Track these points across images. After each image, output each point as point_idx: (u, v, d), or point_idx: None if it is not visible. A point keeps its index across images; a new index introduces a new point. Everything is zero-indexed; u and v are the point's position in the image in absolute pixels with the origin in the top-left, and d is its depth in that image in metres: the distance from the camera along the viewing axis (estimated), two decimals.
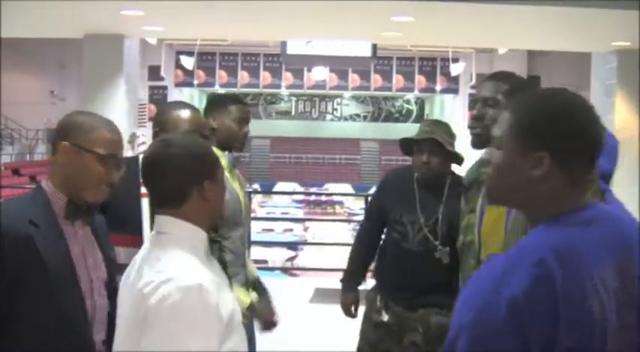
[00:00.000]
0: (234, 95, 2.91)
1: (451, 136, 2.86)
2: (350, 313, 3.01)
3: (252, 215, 7.91)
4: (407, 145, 2.90)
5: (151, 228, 1.71)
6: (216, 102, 2.81)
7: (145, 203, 2.13)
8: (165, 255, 1.55)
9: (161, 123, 2.37)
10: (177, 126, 2.30)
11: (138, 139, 10.09)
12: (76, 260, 1.79)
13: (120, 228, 2.11)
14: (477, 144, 2.06)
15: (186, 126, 2.31)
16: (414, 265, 2.82)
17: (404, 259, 2.86)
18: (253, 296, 2.75)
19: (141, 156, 2.23)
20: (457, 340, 1.17)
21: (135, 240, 2.08)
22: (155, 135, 2.36)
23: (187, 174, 1.58)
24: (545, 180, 1.26)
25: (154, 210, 1.65)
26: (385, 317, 2.87)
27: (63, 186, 1.81)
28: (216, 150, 2.60)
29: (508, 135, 1.30)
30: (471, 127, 2.05)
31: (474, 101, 2.10)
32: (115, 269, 1.90)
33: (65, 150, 1.80)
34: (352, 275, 3.04)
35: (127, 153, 8.58)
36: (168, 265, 1.52)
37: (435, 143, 2.78)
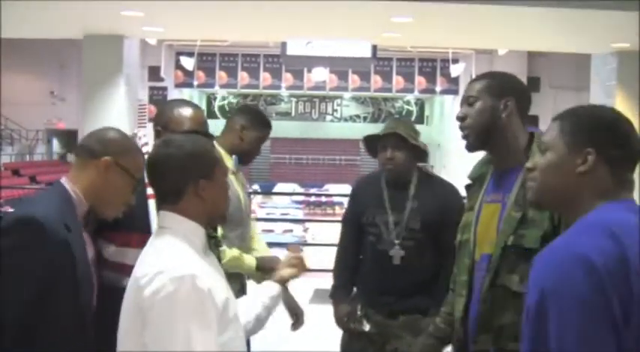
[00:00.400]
0: (269, 120, 3.01)
1: (414, 131, 2.84)
2: (346, 326, 2.93)
3: (252, 216, 7.90)
4: (372, 145, 2.89)
5: None
6: (256, 118, 2.91)
7: (152, 204, 2.14)
8: (162, 247, 1.61)
9: (163, 122, 2.34)
10: (180, 125, 2.28)
11: (140, 141, 10.08)
12: (92, 265, 1.85)
13: (128, 228, 2.12)
14: (469, 147, 2.05)
15: (189, 124, 2.29)
16: (392, 266, 2.79)
17: (381, 261, 2.82)
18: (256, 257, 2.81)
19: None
20: (544, 303, 1.23)
21: (143, 240, 2.08)
22: (157, 134, 2.35)
23: (182, 173, 1.63)
24: (590, 174, 1.36)
25: (158, 207, 1.71)
26: (366, 327, 2.84)
27: (88, 195, 1.86)
28: (223, 153, 2.64)
29: (557, 138, 1.42)
30: (460, 129, 2.05)
31: (460, 104, 2.09)
32: (100, 270, 1.96)
33: (107, 166, 1.86)
34: (340, 287, 2.99)
35: None
36: (162, 257, 1.57)
37: (399, 138, 2.77)
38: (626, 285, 1.20)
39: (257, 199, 16.43)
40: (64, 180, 1.86)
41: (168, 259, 1.56)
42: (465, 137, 2.04)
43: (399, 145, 2.78)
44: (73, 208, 1.81)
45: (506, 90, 2.00)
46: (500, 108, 1.98)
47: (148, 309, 1.51)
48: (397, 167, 2.80)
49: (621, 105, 9.10)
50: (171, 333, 1.48)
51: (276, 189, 19.94)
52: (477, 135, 2.00)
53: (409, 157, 2.81)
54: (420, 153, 2.84)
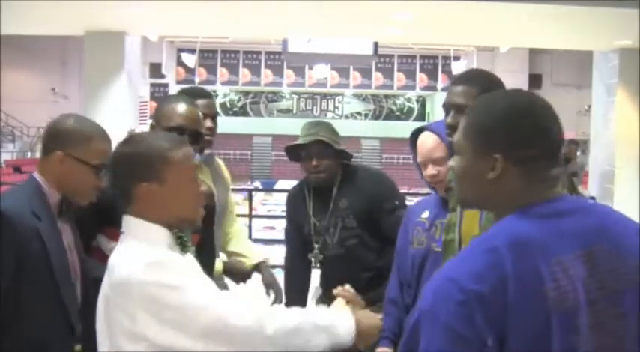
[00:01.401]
0: (199, 89, 2.80)
1: (336, 134, 2.82)
2: None
3: (253, 213, 7.91)
4: (294, 151, 2.85)
5: None
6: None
7: None
8: (120, 250, 1.54)
9: (156, 116, 2.33)
10: (169, 120, 2.23)
11: None
12: (69, 253, 1.88)
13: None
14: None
15: (178, 120, 2.23)
16: (343, 269, 2.78)
17: (332, 266, 2.84)
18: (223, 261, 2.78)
19: None
20: (419, 323, 1.20)
21: None
22: (152, 128, 2.34)
23: (125, 173, 1.54)
24: (501, 180, 1.26)
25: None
26: None
27: (56, 186, 1.89)
28: None
29: (463, 141, 1.31)
30: (448, 135, 2.04)
31: (445, 106, 2.05)
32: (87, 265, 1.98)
33: (61, 160, 1.88)
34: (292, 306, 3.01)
35: None
36: (120, 259, 1.51)
37: (323, 145, 2.74)
38: (502, 311, 1.15)
39: (258, 196, 16.44)
40: (36, 174, 1.91)
41: (126, 259, 1.49)
42: (452, 141, 2.04)
43: (324, 152, 2.75)
44: (45, 198, 1.86)
45: None
46: None
47: (131, 307, 1.44)
48: (323, 174, 2.79)
49: (622, 102, 9.09)
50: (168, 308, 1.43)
51: (277, 186, 19.95)
52: None
53: (335, 162, 2.79)
54: (344, 154, 2.82)
